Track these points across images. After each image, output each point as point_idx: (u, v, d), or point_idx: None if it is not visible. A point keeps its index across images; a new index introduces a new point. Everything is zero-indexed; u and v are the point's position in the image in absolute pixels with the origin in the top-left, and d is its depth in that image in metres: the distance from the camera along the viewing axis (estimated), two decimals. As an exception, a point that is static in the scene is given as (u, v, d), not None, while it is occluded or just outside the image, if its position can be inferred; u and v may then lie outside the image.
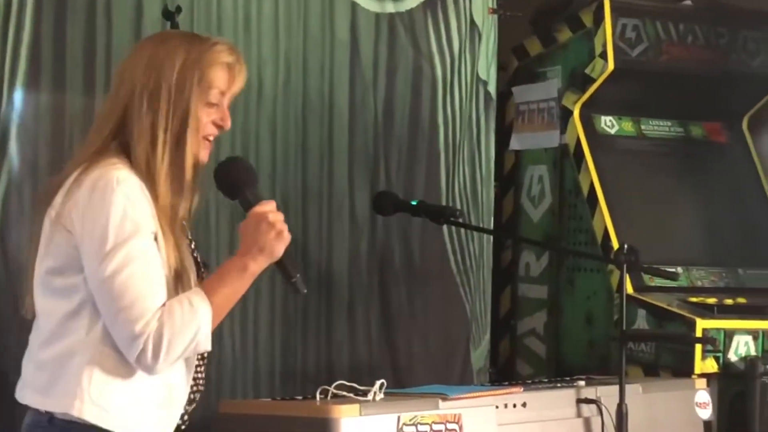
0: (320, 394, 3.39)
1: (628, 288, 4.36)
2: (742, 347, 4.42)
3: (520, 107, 5.16)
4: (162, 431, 2.33)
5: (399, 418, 3.23)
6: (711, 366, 4.36)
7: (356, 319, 4.43)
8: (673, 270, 4.48)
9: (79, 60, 3.89)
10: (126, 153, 2.27)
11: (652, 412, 3.94)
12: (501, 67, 5.05)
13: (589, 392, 3.77)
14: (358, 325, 4.44)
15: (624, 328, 3.83)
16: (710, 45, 5.00)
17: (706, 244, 4.93)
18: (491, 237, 4.91)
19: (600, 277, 4.72)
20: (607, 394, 3.76)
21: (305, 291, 2.29)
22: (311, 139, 4.39)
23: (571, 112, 4.89)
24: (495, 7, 4.89)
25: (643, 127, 5.05)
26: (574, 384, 3.84)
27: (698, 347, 4.32)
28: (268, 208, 2.28)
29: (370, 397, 3.36)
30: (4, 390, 2.78)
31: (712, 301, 4.52)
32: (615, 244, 4.50)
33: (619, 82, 4.81)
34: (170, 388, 2.31)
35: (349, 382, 3.56)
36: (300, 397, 3.64)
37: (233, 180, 2.34)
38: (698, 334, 4.30)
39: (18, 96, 3.77)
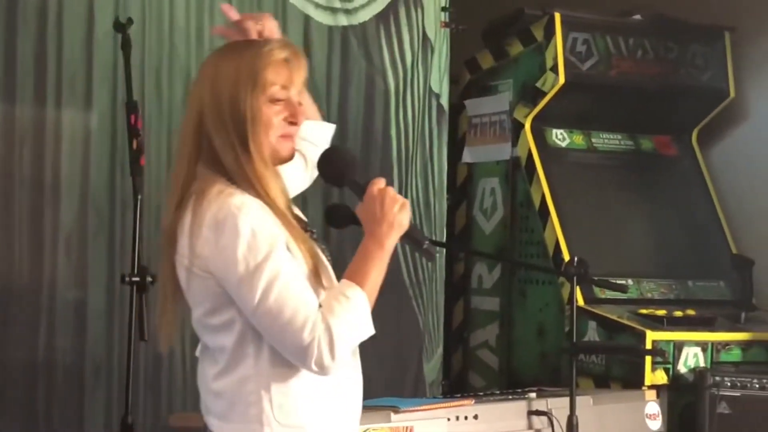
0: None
1: (579, 300, 4.39)
2: (691, 359, 4.46)
3: (473, 120, 5.19)
4: (354, 423, 2.39)
5: (350, 430, 3.22)
6: (661, 378, 4.40)
7: (309, 332, 4.42)
8: (623, 282, 4.51)
9: (30, 71, 3.87)
10: (218, 171, 2.30)
11: (603, 424, 3.96)
12: (453, 81, 5.08)
13: (540, 404, 3.79)
14: (311, 338, 4.43)
15: (575, 340, 3.86)
16: (659, 59, 5.05)
17: (656, 256, 4.97)
18: (444, 249, 4.92)
19: (551, 290, 4.75)
20: (558, 405, 3.78)
21: (437, 253, 2.30)
22: (264, 151, 4.38)
23: (522, 125, 4.92)
24: (447, 20, 4.92)
25: (593, 140, 5.09)
26: (526, 396, 3.86)
27: (648, 359, 4.35)
28: (384, 184, 2.31)
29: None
30: None
31: (661, 313, 4.55)
32: (566, 257, 4.53)
33: (569, 95, 4.85)
34: (346, 381, 2.35)
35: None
36: (251, 410, 3.62)
37: (338, 168, 2.35)
38: (648, 346, 4.33)
39: (-32, 107, 3.75)
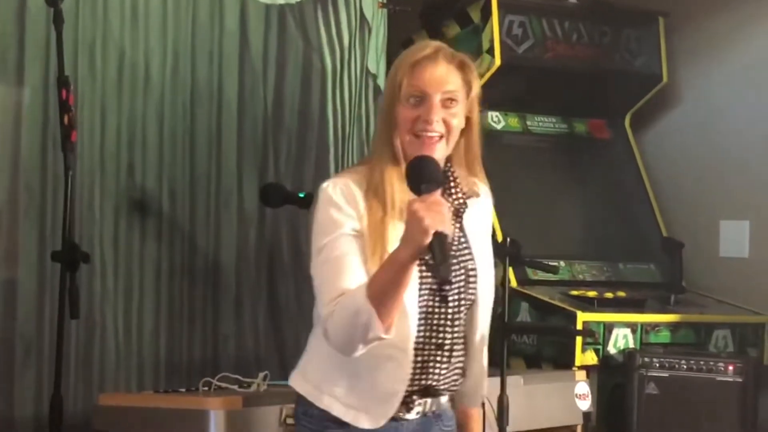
0: (203, 386, 3.38)
1: (512, 281, 4.42)
2: (621, 340, 4.52)
3: (409, 101, 5.19)
4: (371, 417, 2.41)
5: (282, 410, 3.23)
6: (591, 358, 4.45)
7: (243, 311, 4.41)
8: (555, 264, 4.55)
9: (-40, 46, 3.81)
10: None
11: (533, 404, 4.01)
12: (390, 62, 5.06)
13: (472, 384, 3.80)
14: (246, 317, 4.42)
15: (507, 320, 3.89)
16: (594, 43, 5.10)
17: (588, 238, 5.03)
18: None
19: (485, 271, 4.77)
20: (489, 386, 3.80)
21: (448, 277, 2.28)
22: (199, 129, 4.36)
23: (458, 107, 4.93)
24: (385, 1, 4.91)
25: (528, 123, 5.13)
26: (457, 376, 3.87)
27: (579, 340, 4.41)
28: (419, 200, 2.27)
29: (253, 388, 3.34)
30: None
31: (592, 294, 4.61)
32: (499, 238, 4.56)
33: (505, 78, 4.88)
34: (379, 363, 2.38)
35: (236, 374, 3.55)
36: (183, 390, 3.62)
37: (415, 176, 2.34)
38: (579, 326, 4.38)
39: None
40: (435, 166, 2.34)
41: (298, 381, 2.52)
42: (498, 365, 3.87)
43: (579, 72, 5.07)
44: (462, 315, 2.46)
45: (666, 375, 4.38)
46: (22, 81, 3.91)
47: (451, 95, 2.42)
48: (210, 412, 3.16)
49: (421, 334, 2.41)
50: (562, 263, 4.74)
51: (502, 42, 4.85)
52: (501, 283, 4.32)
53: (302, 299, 4.58)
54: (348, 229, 2.37)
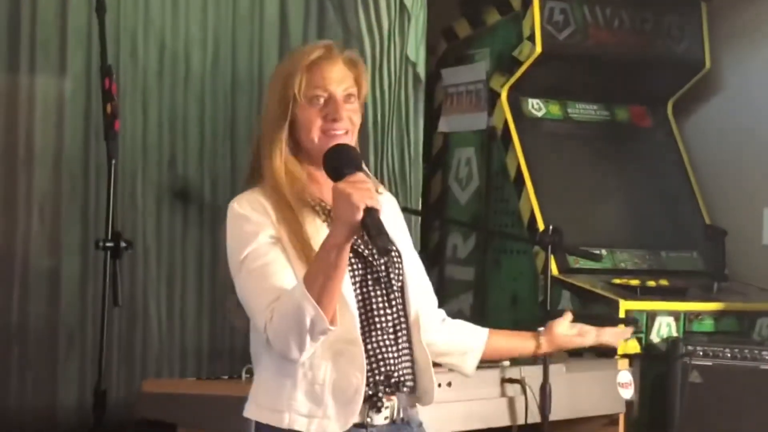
0: (246, 373, 3.38)
1: (553, 269, 4.40)
2: (664, 328, 4.49)
3: (449, 89, 5.18)
4: (338, 421, 2.35)
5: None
6: (633, 347, 4.42)
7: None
8: (597, 252, 4.53)
9: (4, 36, 3.84)
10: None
11: (576, 392, 3.99)
12: (430, 50, 5.06)
13: (514, 372, 3.80)
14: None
15: (548, 308, 3.87)
16: (636, 30, 5.06)
17: (630, 226, 4.99)
18: (419, 218, 4.92)
19: (526, 259, 4.77)
20: (531, 374, 3.80)
21: (388, 246, 2.21)
22: (240, 119, 4.37)
23: (498, 95, 4.92)
24: (424, -12, 4.90)
25: (569, 110, 5.10)
26: (499, 364, 3.87)
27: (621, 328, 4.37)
28: (344, 180, 2.25)
29: (295, 376, 3.33)
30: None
31: (635, 282, 4.57)
32: (541, 226, 4.54)
33: (546, 65, 4.85)
34: (334, 375, 2.34)
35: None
36: (226, 377, 3.63)
37: (335, 163, 2.32)
38: (621, 315, 4.35)
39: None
40: (353, 151, 2.35)
41: (254, 410, 2.41)
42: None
43: (620, 59, 5.02)
44: (396, 294, 2.43)
45: (709, 363, 4.35)
46: (64, 70, 3.95)
47: (350, 91, 2.43)
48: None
49: (364, 321, 2.38)
50: (603, 251, 4.71)
51: (542, 29, 4.82)
52: (542, 271, 4.32)
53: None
54: (265, 237, 2.34)
